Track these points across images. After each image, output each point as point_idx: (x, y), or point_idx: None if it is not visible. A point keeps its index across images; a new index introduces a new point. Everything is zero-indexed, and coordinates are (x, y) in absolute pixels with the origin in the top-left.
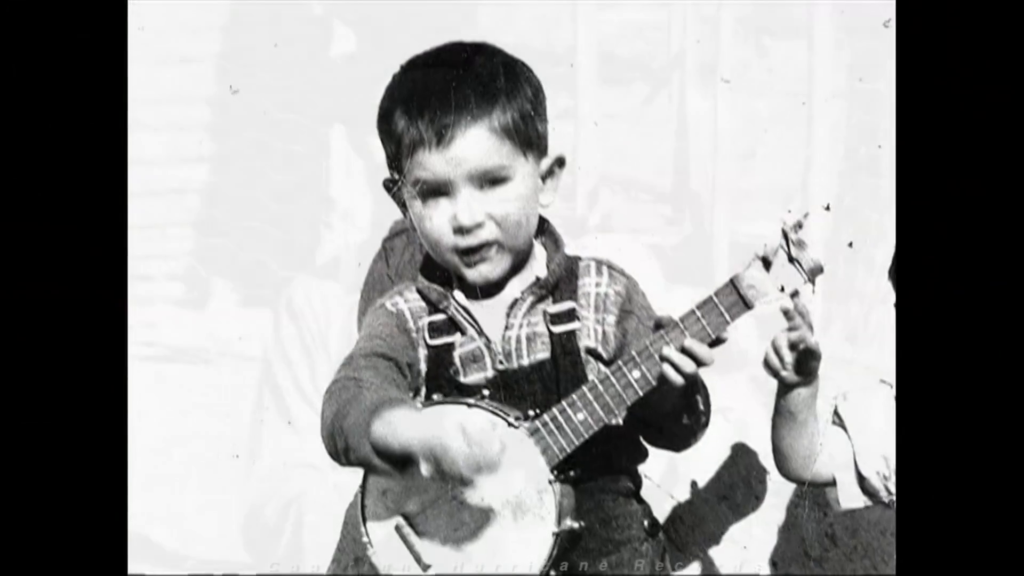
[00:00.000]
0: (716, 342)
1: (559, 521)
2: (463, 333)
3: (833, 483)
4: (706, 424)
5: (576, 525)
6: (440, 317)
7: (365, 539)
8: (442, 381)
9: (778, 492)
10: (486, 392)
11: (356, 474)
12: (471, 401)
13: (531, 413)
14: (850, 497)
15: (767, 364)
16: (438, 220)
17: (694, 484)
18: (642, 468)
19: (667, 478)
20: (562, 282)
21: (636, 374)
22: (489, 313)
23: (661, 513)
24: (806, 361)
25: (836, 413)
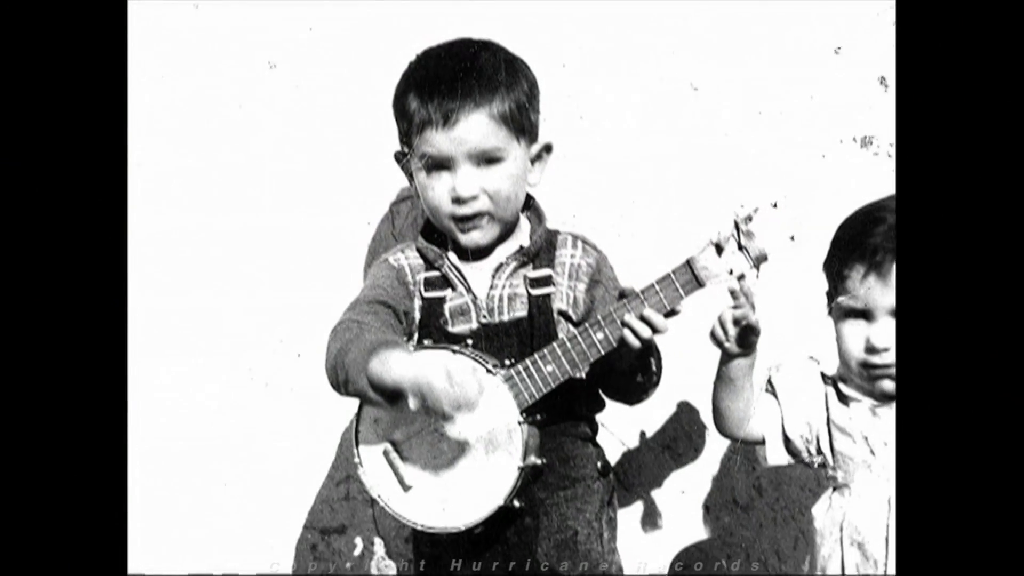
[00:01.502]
0: (671, 313)
1: (524, 457)
2: (454, 289)
3: (762, 442)
4: (657, 383)
5: (539, 462)
6: (435, 274)
7: (356, 460)
8: (432, 329)
9: (714, 446)
10: (470, 341)
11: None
12: (456, 348)
13: (507, 362)
14: (776, 455)
15: (713, 336)
16: (439, 190)
17: (642, 434)
18: (599, 417)
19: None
20: (542, 251)
21: (600, 335)
22: (477, 273)
23: (613, 457)
24: (747, 335)
25: (769, 382)
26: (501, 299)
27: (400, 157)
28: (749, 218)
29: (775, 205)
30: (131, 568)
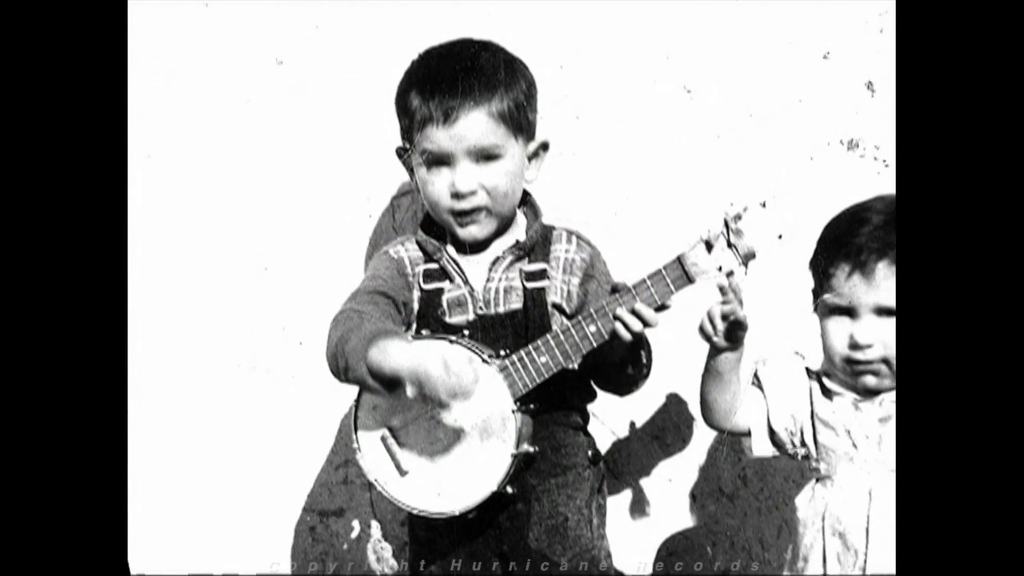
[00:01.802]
0: (661, 308)
1: (518, 445)
2: (451, 281)
3: (748, 434)
4: (647, 375)
5: (531, 449)
6: (434, 266)
7: (355, 445)
8: (430, 320)
9: (701, 437)
10: (466, 332)
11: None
12: (453, 338)
13: (502, 353)
14: (761, 447)
15: (702, 330)
16: (439, 185)
17: (632, 424)
18: (591, 407)
19: (611, 417)
20: (537, 246)
21: (592, 328)
22: (475, 266)
23: (603, 446)
24: (734, 330)
25: (755, 376)
26: (497, 291)
27: (401, 153)
28: (738, 217)
29: (764, 205)
30: (133, 569)
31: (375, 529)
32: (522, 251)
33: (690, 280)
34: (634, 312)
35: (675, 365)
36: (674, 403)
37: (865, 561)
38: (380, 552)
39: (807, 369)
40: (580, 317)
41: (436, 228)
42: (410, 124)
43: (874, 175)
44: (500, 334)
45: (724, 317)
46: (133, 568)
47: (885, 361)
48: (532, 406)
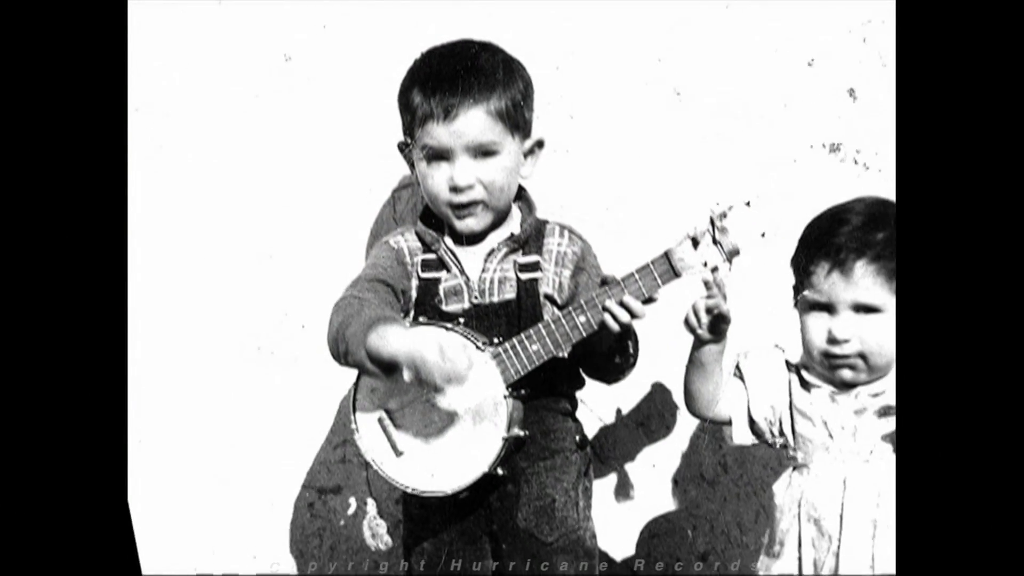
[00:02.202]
0: (648, 300)
1: (508, 428)
2: (448, 271)
3: (729, 423)
4: (633, 365)
5: (522, 433)
6: (431, 256)
7: (353, 426)
8: (428, 307)
9: (684, 425)
10: (462, 320)
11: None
12: (449, 325)
13: (496, 340)
14: (741, 435)
15: (687, 323)
16: (438, 179)
17: (618, 411)
18: (579, 394)
19: (598, 404)
20: (531, 239)
21: (582, 319)
22: (471, 257)
23: (590, 431)
24: (718, 323)
25: (737, 367)
26: (492, 282)
27: (403, 147)
28: (724, 215)
29: (748, 204)
30: (141, 557)
31: (371, 506)
32: (516, 244)
33: (676, 274)
34: (622, 304)
35: (660, 355)
36: (659, 392)
37: (839, 546)
38: (375, 529)
39: (787, 362)
40: (571, 308)
41: (435, 220)
42: (411, 120)
43: (854, 178)
44: (494, 322)
45: (708, 311)
46: (141, 557)
47: (861, 356)
48: (523, 392)
